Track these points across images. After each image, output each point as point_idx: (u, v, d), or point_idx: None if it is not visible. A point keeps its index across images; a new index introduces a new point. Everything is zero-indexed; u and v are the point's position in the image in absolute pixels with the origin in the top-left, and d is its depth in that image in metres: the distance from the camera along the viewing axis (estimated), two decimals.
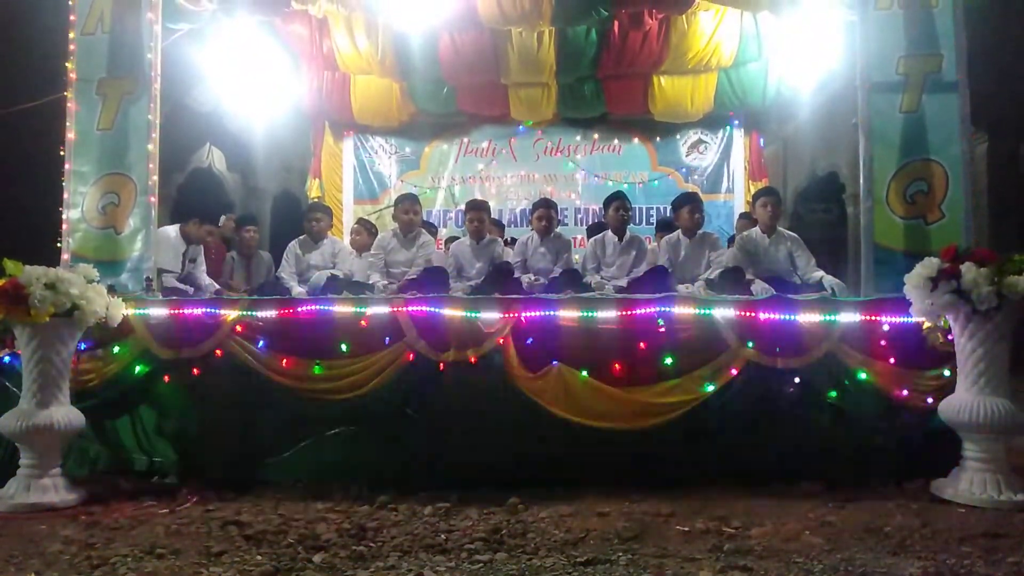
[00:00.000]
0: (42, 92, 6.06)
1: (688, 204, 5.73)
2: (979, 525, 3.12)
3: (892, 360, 3.89)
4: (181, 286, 5.63)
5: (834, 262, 6.74)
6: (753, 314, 3.93)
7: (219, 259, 6.57)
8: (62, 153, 4.59)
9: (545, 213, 5.80)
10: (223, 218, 6.83)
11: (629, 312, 3.97)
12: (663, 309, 3.96)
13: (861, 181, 4.37)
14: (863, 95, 4.35)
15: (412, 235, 5.81)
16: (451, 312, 3.98)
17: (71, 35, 4.63)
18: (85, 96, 4.59)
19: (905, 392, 3.85)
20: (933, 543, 2.91)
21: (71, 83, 4.62)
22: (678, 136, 9.39)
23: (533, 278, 5.45)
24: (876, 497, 3.56)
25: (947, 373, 3.80)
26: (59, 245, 4.55)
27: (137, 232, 4.50)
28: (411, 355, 3.94)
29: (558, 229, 6.02)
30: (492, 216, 7.20)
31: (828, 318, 3.90)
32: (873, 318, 3.92)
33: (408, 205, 5.84)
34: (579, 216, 9.46)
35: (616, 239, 5.73)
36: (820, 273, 5.18)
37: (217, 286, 5.88)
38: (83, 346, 4.02)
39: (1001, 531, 3.02)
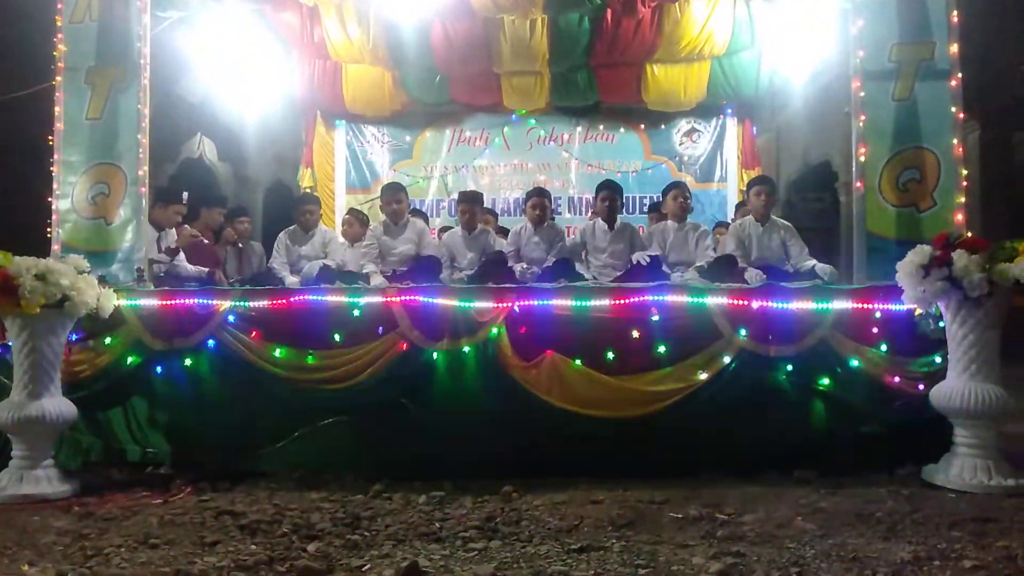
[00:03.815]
0: (30, 81, 6.00)
1: (673, 189, 5.80)
2: (969, 510, 3.15)
3: (884, 347, 3.91)
4: (168, 262, 5.52)
5: (827, 250, 6.75)
6: (746, 302, 3.94)
7: (209, 250, 6.50)
8: (51, 142, 4.55)
9: (539, 202, 5.78)
10: (206, 209, 6.65)
11: (622, 301, 3.97)
12: (656, 298, 3.97)
13: (854, 169, 4.38)
14: (856, 83, 4.34)
15: (402, 223, 5.79)
16: (444, 302, 3.98)
17: (59, 23, 4.58)
18: (73, 85, 4.54)
19: (897, 379, 3.87)
20: (924, 528, 2.93)
21: (59, 72, 4.57)
22: (671, 125, 9.39)
23: (526, 267, 5.45)
24: (868, 483, 3.58)
25: (938, 360, 3.83)
26: (49, 235, 4.52)
27: (128, 223, 4.47)
28: (404, 345, 3.94)
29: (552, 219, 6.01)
30: (485, 205, 7.15)
31: (821, 306, 3.92)
32: (865, 305, 3.94)
33: (391, 195, 5.78)
34: (572, 205, 9.46)
35: (606, 227, 5.73)
36: (812, 261, 5.19)
37: (204, 270, 5.79)
38: (74, 337, 4.00)
39: (991, 516, 3.05)
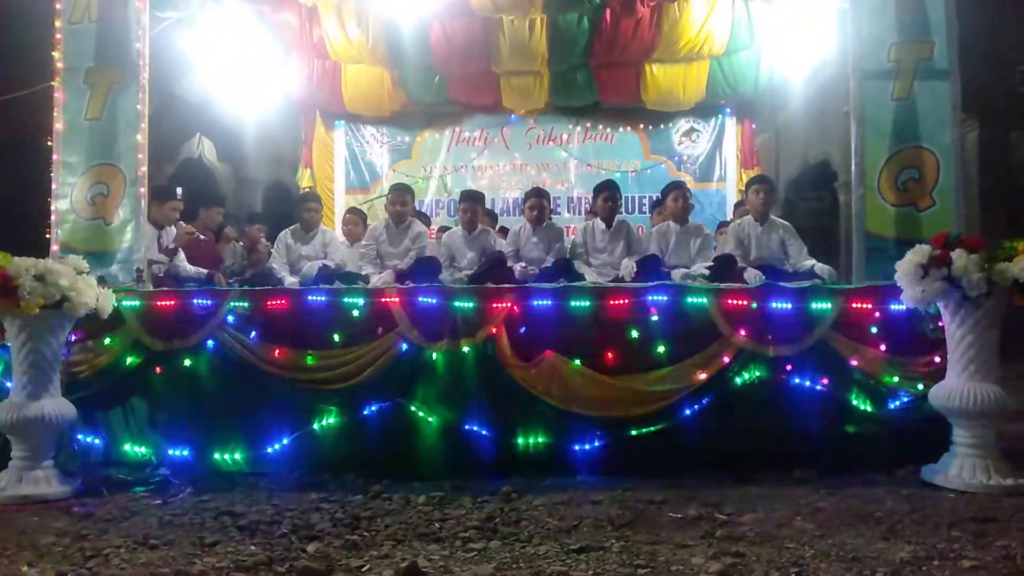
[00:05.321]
0: (29, 82, 5.99)
1: (673, 191, 5.80)
2: (969, 510, 3.15)
3: (883, 347, 3.91)
4: (167, 263, 5.52)
5: (826, 250, 6.75)
6: (745, 302, 3.94)
7: (209, 250, 6.51)
8: (50, 143, 4.54)
9: (537, 203, 5.78)
10: (204, 209, 6.66)
11: (622, 300, 3.97)
12: (656, 297, 3.97)
13: (853, 169, 4.38)
14: (855, 82, 4.35)
15: (404, 225, 5.79)
16: (444, 302, 3.98)
17: (57, 24, 4.57)
18: (73, 86, 4.53)
19: (896, 379, 3.88)
20: (923, 528, 2.93)
21: (58, 72, 4.56)
22: (670, 124, 9.39)
23: (526, 267, 5.45)
24: (867, 483, 3.59)
25: (937, 360, 3.83)
26: (48, 236, 4.51)
27: (127, 223, 4.47)
28: (404, 345, 3.94)
29: (551, 218, 6.00)
30: (485, 206, 7.16)
31: (820, 305, 3.92)
32: (864, 305, 3.94)
33: (397, 196, 5.79)
34: (572, 205, 9.46)
35: (604, 227, 5.74)
36: (812, 261, 5.19)
37: (203, 271, 5.79)
38: (73, 338, 4.00)
39: (990, 515, 3.05)
